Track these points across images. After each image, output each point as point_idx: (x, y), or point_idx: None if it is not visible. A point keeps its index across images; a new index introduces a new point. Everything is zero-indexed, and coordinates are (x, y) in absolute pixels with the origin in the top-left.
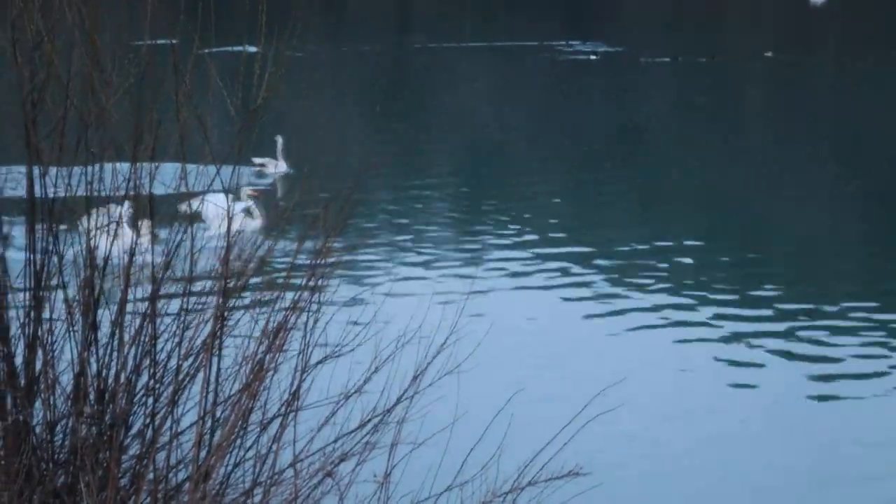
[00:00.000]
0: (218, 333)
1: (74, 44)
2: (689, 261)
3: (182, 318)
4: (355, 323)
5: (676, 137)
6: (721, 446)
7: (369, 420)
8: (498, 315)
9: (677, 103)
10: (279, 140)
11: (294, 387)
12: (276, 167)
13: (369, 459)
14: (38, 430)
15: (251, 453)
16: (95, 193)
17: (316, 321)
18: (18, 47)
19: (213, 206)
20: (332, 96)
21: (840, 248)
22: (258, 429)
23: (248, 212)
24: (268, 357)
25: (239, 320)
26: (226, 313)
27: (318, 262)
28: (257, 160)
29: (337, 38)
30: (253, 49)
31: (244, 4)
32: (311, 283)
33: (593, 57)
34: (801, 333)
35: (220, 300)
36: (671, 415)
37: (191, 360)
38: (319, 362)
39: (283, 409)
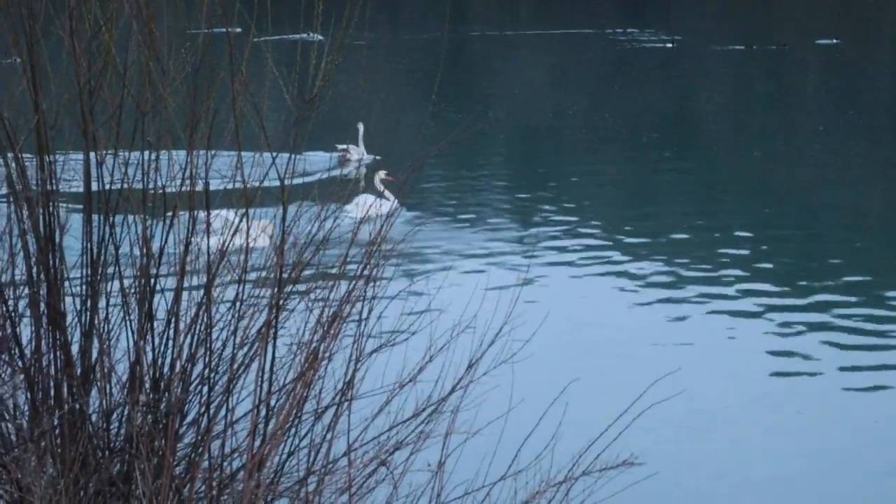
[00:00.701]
0: (273, 322)
1: (132, 33)
2: (747, 250)
3: (237, 307)
4: (410, 312)
5: (751, 126)
6: (776, 436)
7: (423, 409)
8: (553, 304)
9: (770, 92)
10: (360, 127)
11: (348, 376)
12: (358, 153)
13: (423, 448)
14: (94, 418)
15: (305, 442)
16: (151, 182)
17: (370, 310)
18: (76, 36)
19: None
20: (392, 84)
21: None
22: (312, 417)
23: (380, 195)
24: (322, 346)
25: (294, 309)
26: (281, 302)
27: (374, 249)
28: (340, 146)
29: (395, 27)
30: (315, 37)
31: None
32: (366, 272)
33: (670, 45)
34: (860, 324)
35: (276, 289)
36: (726, 405)
37: (246, 348)
38: (374, 351)
39: (337, 397)
